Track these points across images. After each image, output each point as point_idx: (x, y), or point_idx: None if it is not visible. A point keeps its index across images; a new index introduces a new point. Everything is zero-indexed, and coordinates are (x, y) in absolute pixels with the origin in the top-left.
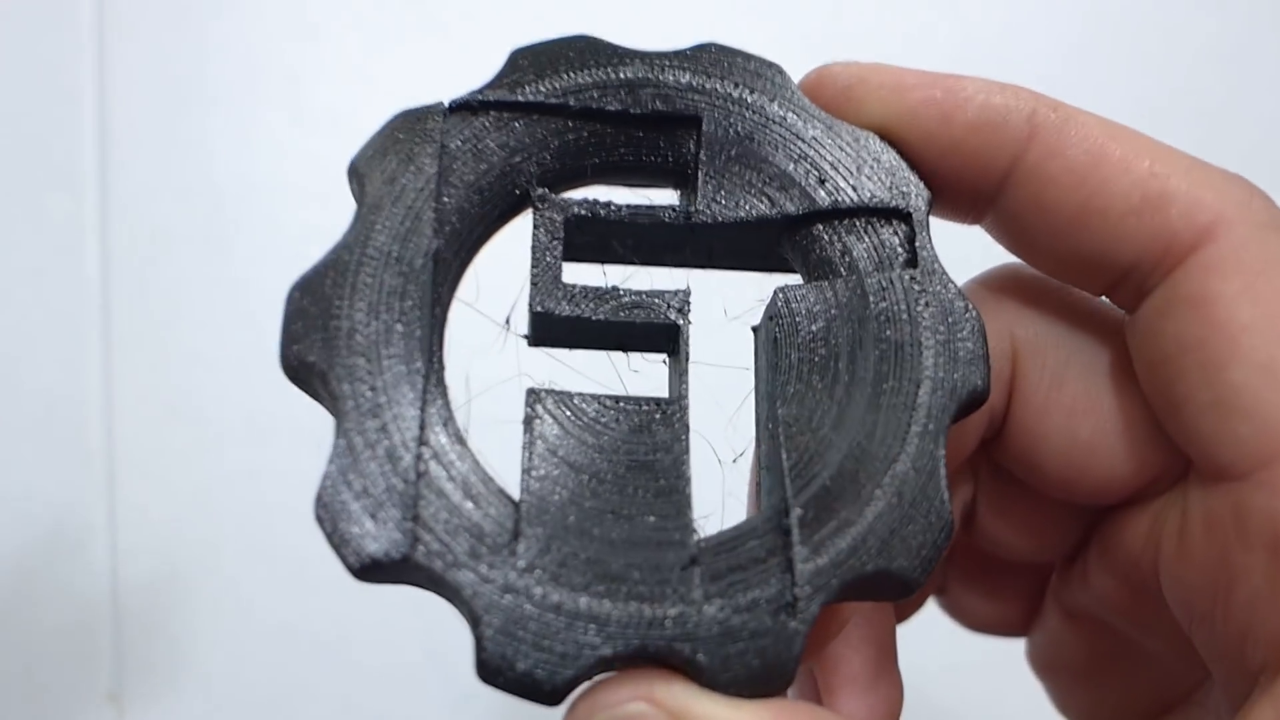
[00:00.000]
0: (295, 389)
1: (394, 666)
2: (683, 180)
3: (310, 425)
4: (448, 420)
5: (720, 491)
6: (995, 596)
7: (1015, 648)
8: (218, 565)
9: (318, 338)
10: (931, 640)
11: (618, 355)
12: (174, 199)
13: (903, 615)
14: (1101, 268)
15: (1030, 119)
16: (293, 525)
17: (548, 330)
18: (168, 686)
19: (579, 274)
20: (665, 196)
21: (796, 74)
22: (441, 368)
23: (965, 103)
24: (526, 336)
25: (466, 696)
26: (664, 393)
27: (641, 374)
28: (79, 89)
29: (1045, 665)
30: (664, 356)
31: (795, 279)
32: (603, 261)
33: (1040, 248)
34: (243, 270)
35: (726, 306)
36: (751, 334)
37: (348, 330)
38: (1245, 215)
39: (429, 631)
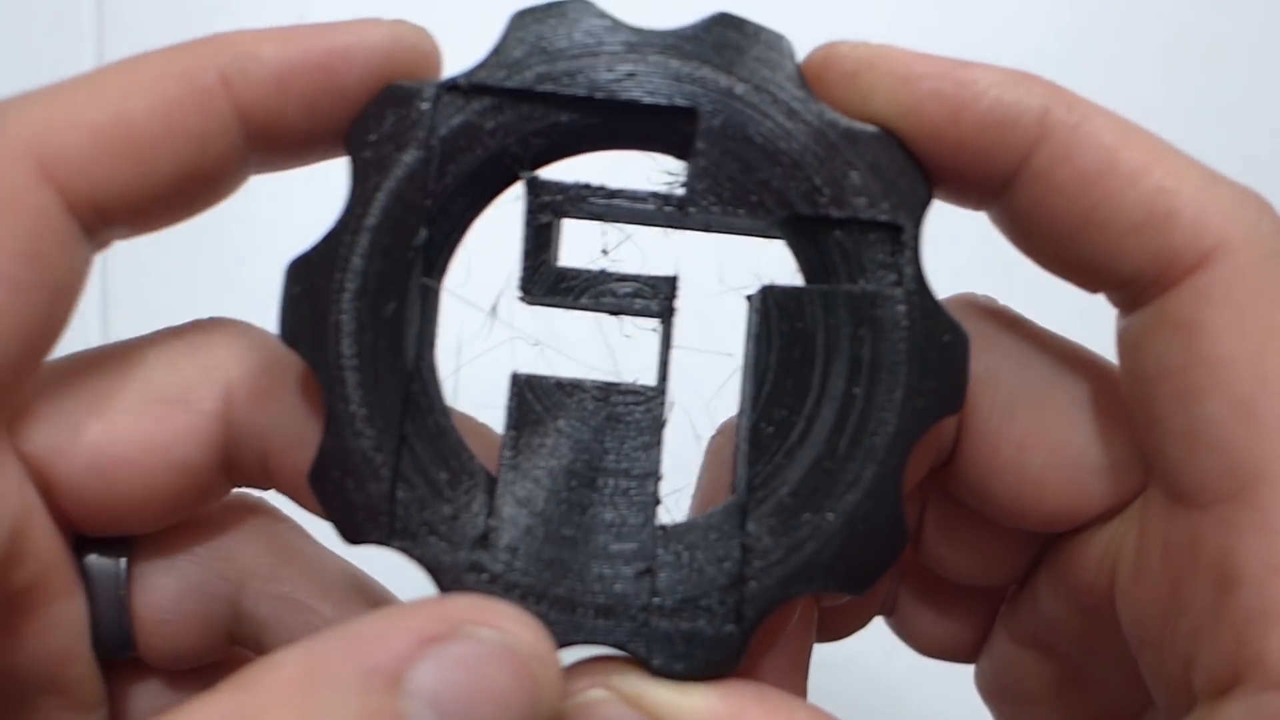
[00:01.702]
0: None
1: None
2: (685, 152)
3: None
4: (432, 406)
5: (696, 466)
6: (945, 620)
7: None
8: None
9: (308, 327)
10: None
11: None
12: None
13: (840, 634)
14: (1099, 275)
15: (1042, 118)
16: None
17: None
18: None
19: (575, 233)
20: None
21: (807, 34)
22: (431, 351)
23: (976, 98)
24: (521, 297)
25: None
26: (653, 360)
27: (633, 339)
28: None
29: (993, 691)
30: (655, 324)
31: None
32: (600, 219)
33: (1039, 247)
34: (242, 269)
35: (723, 274)
36: (746, 302)
37: (335, 321)
38: (1250, 241)
39: None
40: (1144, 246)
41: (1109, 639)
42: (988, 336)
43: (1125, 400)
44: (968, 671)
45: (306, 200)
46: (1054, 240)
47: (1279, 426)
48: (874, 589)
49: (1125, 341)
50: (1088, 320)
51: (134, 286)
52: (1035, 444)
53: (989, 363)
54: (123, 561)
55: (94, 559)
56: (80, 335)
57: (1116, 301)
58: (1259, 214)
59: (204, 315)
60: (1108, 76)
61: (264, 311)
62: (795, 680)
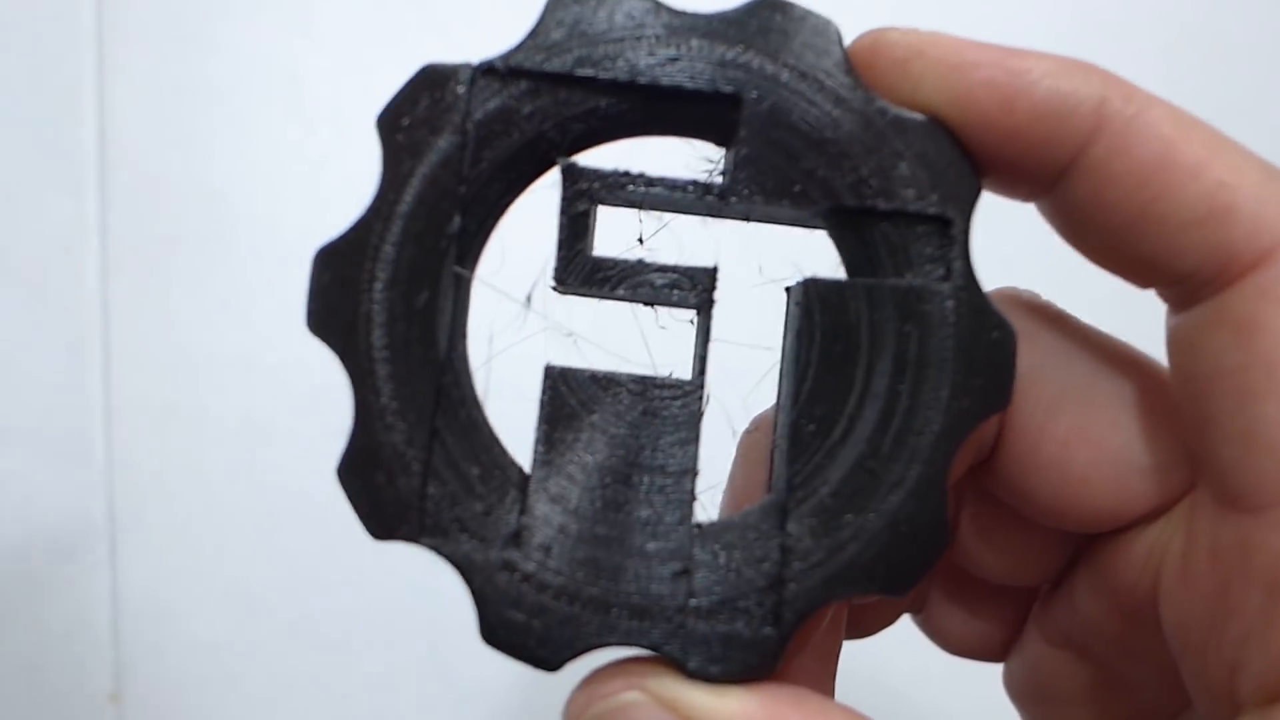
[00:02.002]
0: (295, 389)
1: (394, 666)
2: (726, 137)
3: (309, 425)
4: (464, 399)
5: (731, 462)
6: (975, 618)
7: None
8: (218, 565)
9: (338, 317)
10: (920, 643)
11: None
12: (174, 199)
13: (868, 631)
14: (1154, 271)
15: (1099, 109)
16: (292, 524)
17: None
18: (168, 686)
19: (611, 220)
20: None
21: (855, 17)
22: (464, 342)
23: (1031, 87)
24: (554, 287)
25: (467, 696)
26: (689, 352)
27: (670, 330)
28: (79, 89)
29: (1023, 692)
30: (692, 315)
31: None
32: (637, 207)
33: (1091, 242)
34: (242, 270)
35: (763, 265)
36: (786, 294)
37: (366, 311)
38: None
39: (430, 630)
40: (1202, 242)
41: (1148, 641)
42: (1031, 333)
43: (1175, 399)
44: (972, 670)
45: (307, 201)
46: (1108, 234)
47: None
48: None
49: (1178, 339)
50: (1117, 312)
51: (137, 290)
52: (1079, 442)
53: (1033, 360)
54: None
55: None
56: (80, 336)
57: (1169, 298)
58: None
59: (203, 320)
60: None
61: (265, 310)
62: (824, 679)
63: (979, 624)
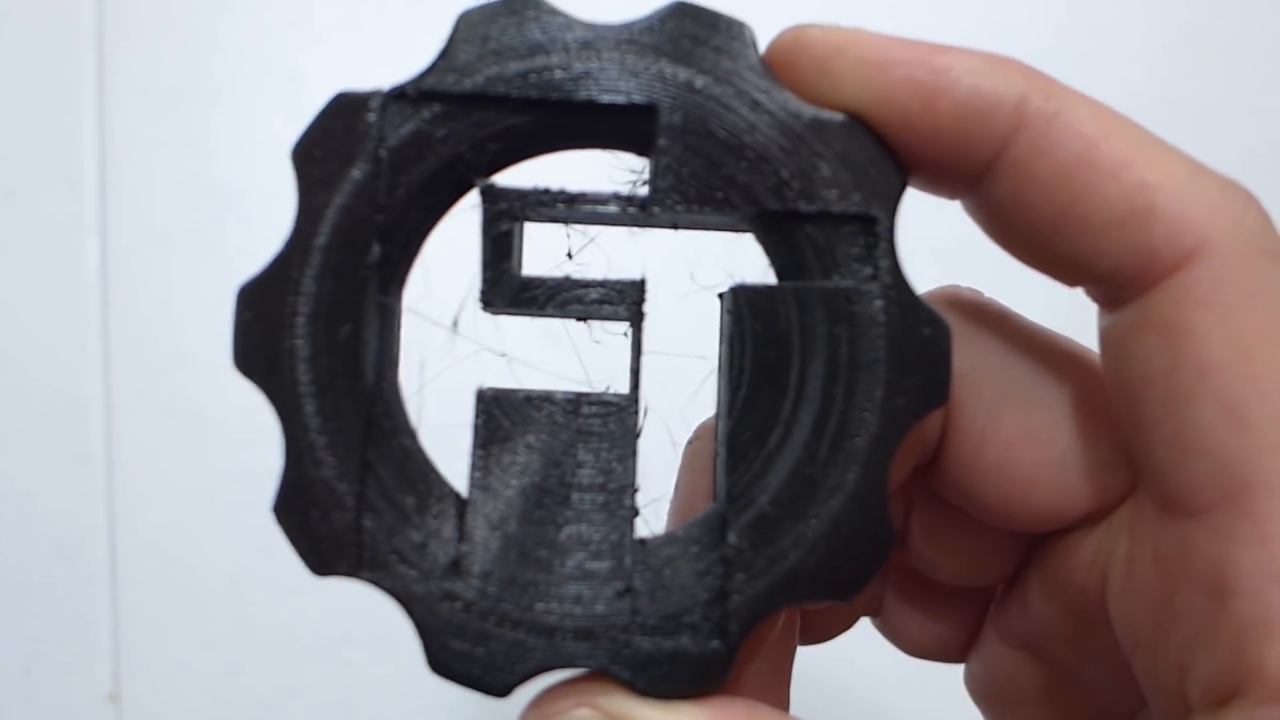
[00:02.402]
0: None
1: (393, 666)
2: (647, 148)
3: None
4: (395, 428)
5: (673, 473)
6: (933, 620)
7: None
8: (217, 565)
9: (262, 354)
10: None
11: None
12: (174, 199)
13: (825, 636)
14: (1077, 270)
15: (1019, 106)
16: None
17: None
18: (168, 686)
19: (539, 236)
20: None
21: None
22: (394, 371)
23: (951, 86)
24: (483, 308)
25: (465, 697)
26: (624, 366)
27: (604, 344)
28: (79, 89)
29: (982, 692)
30: (625, 328)
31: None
32: (562, 223)
33: (1014, 240)
34: (242, 270)
35: (694, 272)
36: (718, 299)
37: (289, 347)
38: (1235, 238)
39: None
40: (1124, 243)
41: (1101, 641)
42: (973, 333)
43: (1111, 401)
44: (934, 671)
45: None
46: (1030, 233)
47: (1270, 432)
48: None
49: (1109, 340)
50: (1075, 302)
51: (136, 289)
52: (1023, 443)
53: (974, 360)
54: None
55: None
56: (80, 336)
57: (1096, 297)
58: (1244, 210)
59: (204, 320)
60: (1109, 76)
61: None
62: (778, 688)
63: (937, 626)
